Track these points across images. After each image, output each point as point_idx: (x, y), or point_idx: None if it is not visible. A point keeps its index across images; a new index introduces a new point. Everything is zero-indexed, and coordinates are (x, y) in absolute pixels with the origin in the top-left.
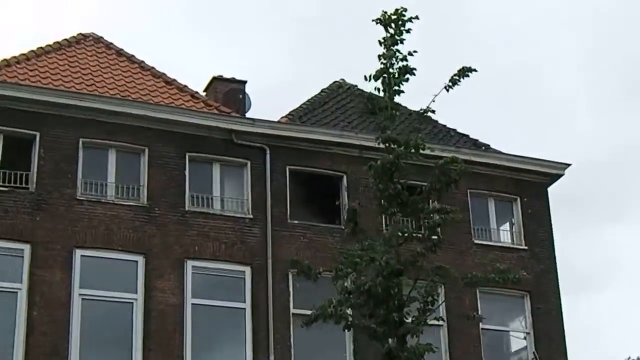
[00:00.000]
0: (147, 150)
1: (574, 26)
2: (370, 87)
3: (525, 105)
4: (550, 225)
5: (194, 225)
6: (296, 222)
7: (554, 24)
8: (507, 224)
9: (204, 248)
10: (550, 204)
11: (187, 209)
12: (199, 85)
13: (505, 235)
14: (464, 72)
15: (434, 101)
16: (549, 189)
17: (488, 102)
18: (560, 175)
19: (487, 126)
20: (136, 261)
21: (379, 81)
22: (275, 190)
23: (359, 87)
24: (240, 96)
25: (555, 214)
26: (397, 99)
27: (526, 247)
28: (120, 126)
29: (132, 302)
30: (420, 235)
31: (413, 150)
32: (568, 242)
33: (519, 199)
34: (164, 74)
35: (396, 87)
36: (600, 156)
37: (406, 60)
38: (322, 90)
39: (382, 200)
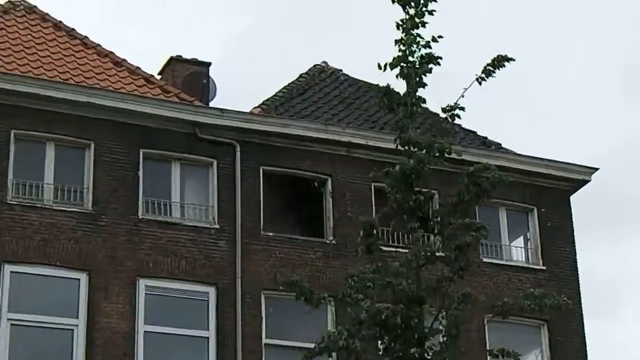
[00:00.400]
0: (92, 146)
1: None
2: (376, 77)
3: (540, 100)
4: (573, 240)
5: (149, 236)
6: (271, 234)
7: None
8: (521, 238)
9: (159, 264)
10: (573, 216)
11: (140, 216)
12: (153, 67)
13: (518, 253)
14: (500, 61)
15: (463, 97)
16: (572, 198)
17: (497, 95)
18: (586, 182)
19: (497, 122)
20: (78, 279)
21: (396, 71)
22: (247, 195)
23: (344, 71)
24: (204, 81)
25: (578, 226)
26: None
27: (544, 267)
28: (60, 116)
29: (72, 329)
30: (445, 256)
31: (437, 155)
32: (590, 256)
33: (535, 210)
34: (111, 52)
35: (417, 79)
36: (630, 157)
37: (429, 47)
38: (300, 76)
39: (402, 214)
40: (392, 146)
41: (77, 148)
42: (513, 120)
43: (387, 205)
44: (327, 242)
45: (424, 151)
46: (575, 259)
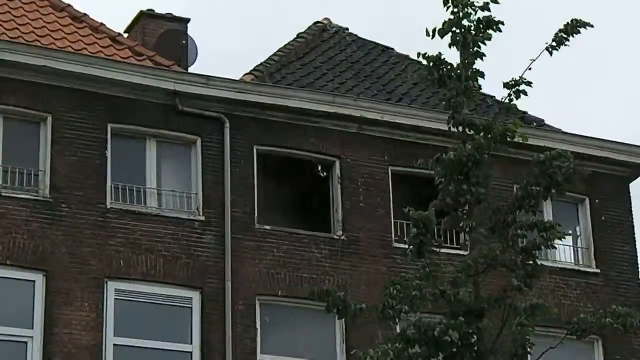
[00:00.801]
0: (50, 119)
1: None
2: (389, 38)
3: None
4: (634, 237)
5: (119, 230)
6: (267, 227)
7: None
8: (569, 236)
9: (132, 264)
10: (633, 207)
11: (108, 206)
12: (119, 24)
13: (566, 253)
14: (575, 27)
15: (530, 69)
16: (632, 186)
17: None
18: None
19: (535, 97)
20: (33, 282)
21: (448, 38)
22: (238, 181)
23: (351, 30)
24: (183, 42)
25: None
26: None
27: (597, 270)
28: (10, 82)
29: (25, 342)
30: (509, 261)
31: (499, 139)
32: None
33: (587, 200)
34: (69, 5)
35: (475, 48)
36: None
37: (488, 9)
38: (299, 36)
39: (457, 209)
40: (413, 122)
41: (31, 122)
42: (552, 94)
43: (437, 198)
44: (336, 238)
45: (482, 135)
46: (637, 259)
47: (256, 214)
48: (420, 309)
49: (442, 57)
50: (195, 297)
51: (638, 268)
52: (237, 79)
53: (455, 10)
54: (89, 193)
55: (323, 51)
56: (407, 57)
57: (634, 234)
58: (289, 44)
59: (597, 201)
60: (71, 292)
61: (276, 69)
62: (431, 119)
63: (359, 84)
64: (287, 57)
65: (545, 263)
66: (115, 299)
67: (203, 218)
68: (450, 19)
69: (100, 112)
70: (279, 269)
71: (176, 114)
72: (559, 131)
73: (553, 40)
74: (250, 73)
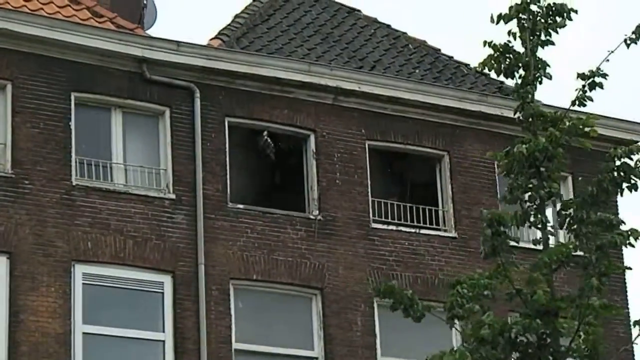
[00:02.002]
0: (9, 87)
1: None
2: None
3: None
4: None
5: (85, 208)
6: (240, 206)
7: None
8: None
9: (100, 245)
10: None
11: (73, 182)
12: None
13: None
14: None
15: (607, 60)
16: None
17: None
18: (633, 142)
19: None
20: None
21: (514, 23)
22: (209, 155)
23: None
24: (144, 2)
25: None
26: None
27: (580, 253)
28: None
29: None
30: (583, 258)
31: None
32: None
33: (570, 178)
34: None
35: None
36: None
37: None
38: None
39: (526, 204)
40: (391, 94)
41: None
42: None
43: (508, 192)
44: (312, 217)
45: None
46: None
47: (229, 192)
48: (489, 309)
49: (510, 45)
50: (167, 281)
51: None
52: (206, 44)
53: None
54: (53, 168)
55: (287, 12)
56: (375, 20)
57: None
58: (251, 4)
59: (579, 178)
60: (36, 275)
61: (242, 33)
62: (410, 90)
63: (329, 50)
64: (251, 20)
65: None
66: (83, 283)
67: (173, 196)
68: (516, 4)
69: (62, 80)
70: (253, 251)
71: (143, 82)
72: (544, 104)
73: (633, 32)
74: (216, 37)
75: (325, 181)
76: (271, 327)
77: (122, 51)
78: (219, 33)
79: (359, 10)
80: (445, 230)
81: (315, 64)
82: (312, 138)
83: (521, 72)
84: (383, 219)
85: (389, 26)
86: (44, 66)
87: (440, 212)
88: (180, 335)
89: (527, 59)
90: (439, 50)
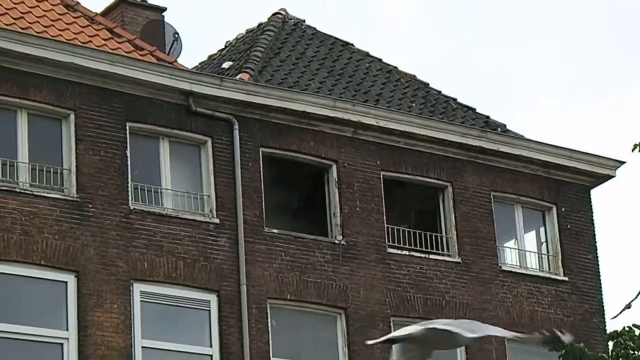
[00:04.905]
0: (72, 117)
1: None
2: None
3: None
4: (595, 245)
5: (141, 231)
6: (275, 231)
7: None
8: (534, 241)
9: (155, 265)
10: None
11: (131, 206)
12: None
13: (533, 260)
14: None
15: None
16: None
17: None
18: (609, 177)
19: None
20: (65, 282)
21: None
22: (247, 183)
23: (307, 22)
24: (176, 35)
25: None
26: None
27: (565, 278)
28: (35, 78)
29: (61, 343)
30: None
31: None
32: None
33: (554, 208)
34: None
35: None
36: None
37: None
38: (263, 29)
39: None
40: (404, 128)
41: (54, 118)
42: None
43: None
44: (336, 242)
45: None
46: (598, 268)
47: (264, 217)
48: None
49: None
50: (213, 299)
51: (599, 276)
52: (245, 80)
53: None
54: (113, 193)
55: (293, 46)
56: (367, 54)
57: (596, 242)
58: (252, 32)
59: (562, 209)
60: (101, 293)
61: (262, 67)
62: (420, 125)
63: (336, 84)
64: (265, 53)
65: (517, 270)
66: (141, 300)
67: (217, 220)
68: None
69: (119, 111)
70: (287, 273)
71: (189, 114)
72: (526, 138)
73: None
74: (243, 71)
75: (347, 208)
76: (301, 343)
77: (172, 85)
78: (242, 67)
79: (351, 44)
80: (449, 256)
81: (340, 99)
82: (334, 168)
83: None
84: (397, 244)
85: (380, 60)
86: (104, 98)
87: (444, 239)
88: (226, 350)
89: None
90: (428, 84)
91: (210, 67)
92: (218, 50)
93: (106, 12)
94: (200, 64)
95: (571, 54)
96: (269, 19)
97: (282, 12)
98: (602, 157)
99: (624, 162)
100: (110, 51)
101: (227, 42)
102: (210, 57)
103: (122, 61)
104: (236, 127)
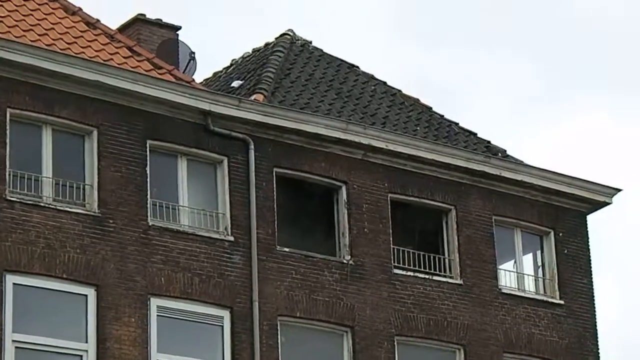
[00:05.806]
0: (95, 133)
1: None
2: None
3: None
4: (590, 270)
5: (159, 247)
6: (286, 249)
7: None
8: (531, 265)
9: (171, 281)
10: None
11: (149, 222)
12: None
13: (530, 283)
14: None
15: None
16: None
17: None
18: (605, 204)
19: (492, 124)
20: (85, 295)
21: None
22: (261, 202)
23: (314, 44)
24: (192, 54)
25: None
26: None
27: (561, 301)
28: (61, 94)
29: (80, 355)
30: None
31: None
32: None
33: (552, 233)
34: (80, 9)
35: None
36: None
37: None
38: (272, 50)
39: None
40: (412, 152)
41: (77, 135)
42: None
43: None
44: (344, 262)
45: None
46: (592, 292)
47: (276, 236)
48: None
49: None
50: (226, 315)
51: (594, 300)
52: (261, 101)
53: None
54: (133, 209)
55: (302, 67)
56: (372, 77)
57: (591, 266)
58: (259, 51)
59: (560, 234)
60: (120, 307)
61: (275, 88)
62: (427, 149)
63: (345, 106)
64: (277, 74)
65: (515, 292)
66: (157, 315)
67: (232, 238)
68: None
69: (140, 128)
70: (297, 291)
71: (206, 133)
72: (526, 164)
73: None
74: (257, 92)
75: (355, 229)
76: (309, 358)
77: (191, 104)
78: (253, 84)
79: (357, 67)
80: (452, 277)
81: (352, 122)
82: (344, 189)
83: None
84: (402, 265)
85: (385, 83)
86: (126, 115)
87: (447, 260)
88: None
89: None
90: (431, 108)
91: (217, 84)
92: (223, 68)
93: (122, 29)
94: (205, 80)
95: None
96: (276, 39)
97: (289, 32)
98: (600, 184)
99: (620, 190)
100: (133, 70)
101: (232, 60)
102: (215, 74)
103: (144, 80)
104: (252, 147)
